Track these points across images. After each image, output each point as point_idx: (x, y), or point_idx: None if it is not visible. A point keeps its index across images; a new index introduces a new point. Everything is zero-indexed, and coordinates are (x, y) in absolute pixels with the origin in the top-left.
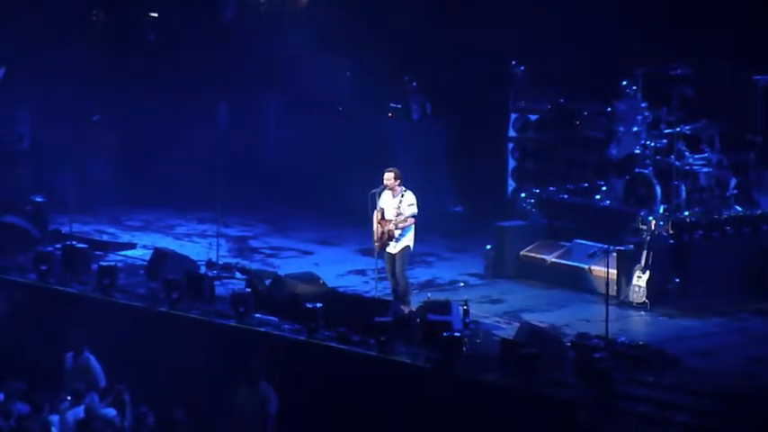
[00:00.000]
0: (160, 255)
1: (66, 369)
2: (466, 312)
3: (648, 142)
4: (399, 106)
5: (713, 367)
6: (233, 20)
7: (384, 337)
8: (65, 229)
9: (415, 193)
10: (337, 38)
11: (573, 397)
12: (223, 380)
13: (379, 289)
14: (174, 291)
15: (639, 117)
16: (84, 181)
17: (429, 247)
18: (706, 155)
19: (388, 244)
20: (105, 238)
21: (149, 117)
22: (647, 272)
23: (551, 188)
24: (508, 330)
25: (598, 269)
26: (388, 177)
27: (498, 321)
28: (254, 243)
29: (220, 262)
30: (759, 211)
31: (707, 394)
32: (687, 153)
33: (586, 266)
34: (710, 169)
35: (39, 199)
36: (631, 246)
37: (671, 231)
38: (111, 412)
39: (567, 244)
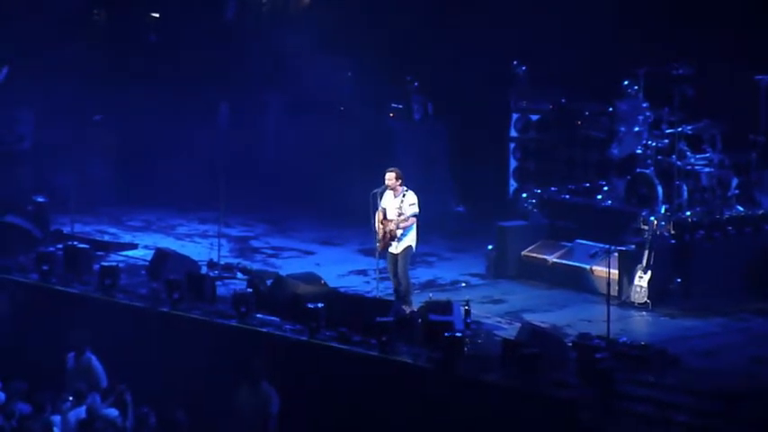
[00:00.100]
0: (161, 255)
1: (67, 369)
2: (467, 312)
3: (650, 142)
4: (401, 106)
5: (715, 367)
6: (234, 20)
7: (385, 337)
8: (66, 230)
9: (416, 193)
10: (338, 38)
11: (574, 397)
12: (224, 380)
13: (380, 289)
14: (176, 291)
15: (641, 117)
16: (85, 181)
17: (430, 247)
18: (708, 155)
19: (391, 244)
20: (107, 238)
21: (150, 117)
22: (649, 272)
23: (553, 188)
24: (509, 330)
25: (599, 269)
26: (390, 177)
27: (500, 321)
28: (255, 243)
29: (222, 262)
30: (761, 211)
31: (708, 394)
32: (689, 153)
33: (588, 266)
34: (712, 169)
35: (40, 199)
36: (633, 246)
37: (672, 231)
38: (113, 412)
39: (569, 244)
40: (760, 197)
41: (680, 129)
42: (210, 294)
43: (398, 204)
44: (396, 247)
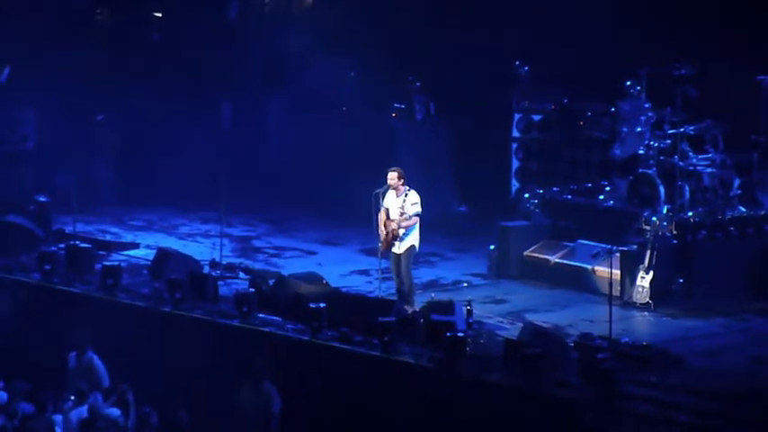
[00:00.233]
0: (164, 255)
1: (69, 369)
2: (469, 312)
3: (652, 142)
4: (403, 106)
5: (716, 367)
6: (236, 20)
7: (387, 337)
8: (68, 229)
9: (418, 193)
10: (341, 38)
11: (576, 397)
12: (226, 380)
13: (382, 289)
14: (178, 291)
15: (643, 117)
16: (87, 180)
17: (432, 247)
18: (710, 155)
19: (393, 244)
20: (108, 237)
21: (153, 117)
22: (651, 272)
23: (555, 188)
24: (511, 330)
25: (601, 269)
26: (392, 177)
27: (502, 321)
28: (257, 243)
29: (224, 262)
30: (763, 212)
31: (710, 395)
32: (691, 153)
33: (590, 267)
34: (714, 169)
35: (42, 199)
36: (635, 246)
37: (674, 232)
38: (115, 412)
39: (571, 244)
40: (762, 197)
41: (682, 129)
42: (213, 294)
43: (401, 204)
44: (398, 247)
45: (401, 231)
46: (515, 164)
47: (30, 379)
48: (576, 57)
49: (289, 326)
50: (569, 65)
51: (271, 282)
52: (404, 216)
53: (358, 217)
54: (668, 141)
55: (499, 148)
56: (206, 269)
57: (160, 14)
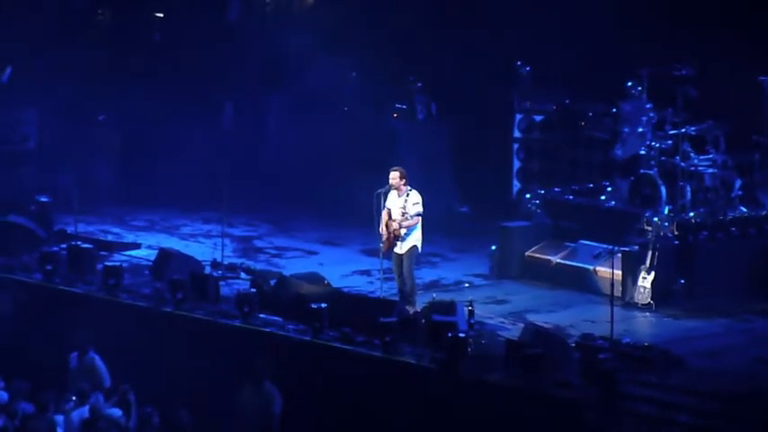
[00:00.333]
0: (165, 255)
1: (70, 369)
2: (471, 313)
3: (653, 143)
4: (404, 106)
5: (718, 368)
6: (237, 20)
7: (389, 337)
8: (70, 229)
9: (420, 193)
10: (342, 38)
11: (577, 398)
12: (227, 380)
13: (384, 289)
14: (179, 291)
15: (644, 118)
16: (88, 181)
17: (434, 247)
18: (711, 156)
19: (395, 244)
20: (110, 238)
21: (154, 117)
22: (652, 273)
23: (556, 189)
24: (513, 331)
25: (603, 270)
26: (394, 177)
27: (503, 322)
28: (258, 243)
29: (225, 262)
30: (764, 212)
31: (711, 395)
32: (692, 154)
33: (591, 267)
34: (715, 170)
35: (43, 199)
36: (636, 247)
37: (676, 232)
38: (116, 412)
39: (572, 245)
40: (763, 198)
41: (683, 130)
42: (214, 294)
43: (402, 204)
44: (400, 247)
45: (402, 231)
46: (516, 164)
47: (31, 379)
48: (577, 57)
49: (290, 326)
50: (570, 65)
51: (272, 282)
52: (405, 216)
53: (359, 217)
54: (669, 142)
55: (500, 148)
56: (207, 269)
57: (161, 15)
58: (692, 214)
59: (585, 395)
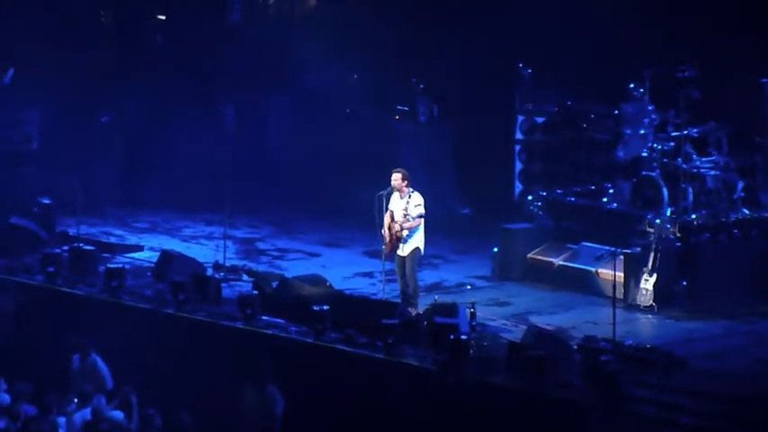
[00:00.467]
0: (167, 257)
1: (73, 371)
2: (473, 315)
3: (655, 145)
4: (406, 108)
5: (720, 370)
6: (239, 22)
7: (391, 339)
8: (72, 231)
9: (422, 195)
10: (344, 40)
11: (580, 399)
12: (230, 382)
13: (386, 291)
14: (181, 293)
15: (646, 120)
16: (90, 182)
17: (436, 249)
18: (713, 157)
19: (398, 246)
20: (112, 240)
21: (156, 118)
22: (654, 275)
23: (558, 190)
24: (515, 333)
25: (605, 272)
26: (396, 178)
27: (505, 324)
28: (260, 245)
29: (227, 264)
30: (766, 214)
31: (713, 397)
32: (694, 156)
33: (593, 269)
34: (718, 172)
35: (46, 201)
36: (638, 248)
37: (678, 234)
38: (119, 414)
39: (574, 246)
40: (765, 200)
41: (685, 131)
42: (216, 296)
43: (404, 206)
44: (403, 249)
45: (404, 233)
46: (518, 166)
47: (33, 381)
48: (579, 59)
49: (292, 328)
50: (572, 67)
51: (274, 284)
52: (407, 218)
53: (361, 219)
54: (672, 144)
55: (502, 150)
56: (209, 271)
57: (163, 17)
58: (694, 216)
59: (588, 397)
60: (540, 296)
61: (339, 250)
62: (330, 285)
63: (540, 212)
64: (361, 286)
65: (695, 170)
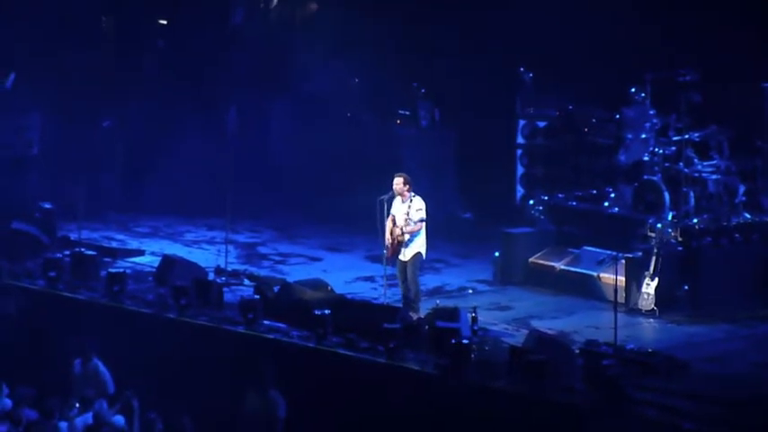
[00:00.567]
0: (169, 261)
1: (74, 375)
2: (474, 319)
3: (657, 149)
4: (407, 113)
5: (721, 373)
6: (241, 26)
7: (392, 343)
8: (73, 236)
9: (423, 199)
10: (345, 44)
11: (581, 404)
12: (231, 386)
13: (387, 296)
14: (183, 297)
15: (648, 124)
16: (92, 187)
17: (437, 253)
18: (715, 161)
19: (400, 251)
20: (114, 244)
21: (158, 123)
22: (656, 279)
23: (560, 195)
24: (517, 337)
25: (607, 276)
26: (398, 182)
27: (507, 328)
28: (262, 250)
29: (229, 268)
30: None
31: (715, 401)
32: (696, 160)
33: (595, 273)
34: (719, 176)
35: (47, 206)
36: (640, 253)
37: (680, 238)
38: (120, 419)
39: (576, 251)
40: (767, 204)
41: (687, 135)
42: (218, 301)
43: (406, 210)
44: (404, 254)
45: (406, 237)
46: (520, 170)
47: (35, 385)
48: (580, 63)
49: (294, 332)
50: (574, 71)
51: (276, 288)
52: (408, 222)
53: (363, 223)
54: (673, 148)
55: (504, 154)
56: (211, 276)
57: (165, 21)
58: (695, 220)
59: (589, 401)
60: (541, 300)
61: (341, 255)
62: (331, 290)
63: (542, 217)
64: (363, 291)
65: (697, 174)
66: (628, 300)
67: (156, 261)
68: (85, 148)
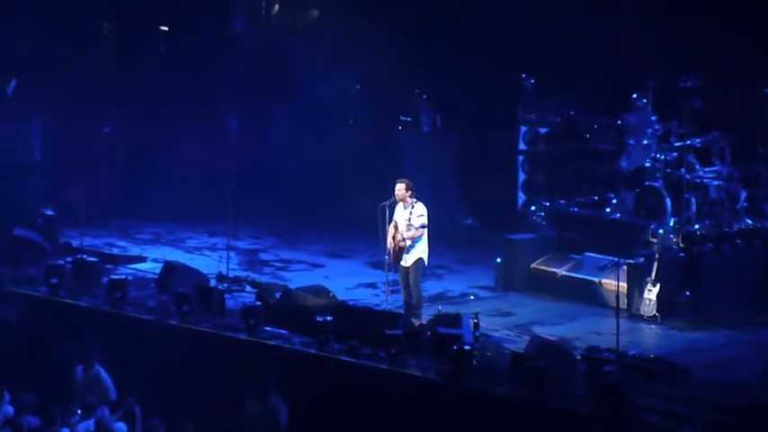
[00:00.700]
0: (171, 268)
1: (76, 382)
2: (476, 325)
3: (659, 155)
4: (409, 119)
5: (723, 379)
6: (242, 32)
7: (394, 350)
8: (75, 243)
9: (425, 205)
10: (347, 50)
11: (583, 410)
12: (233, 393)
13: (389, 302)
14: (185, 304)
15: (649, 130)
16: (94, 193)
17: (439, 259)
18: (716, 167)
19: (401, 256)
20: (116, 251)
21: (159, 129)
22: (658, 285)
23: (561, 201)
24: (518, 343)
25: (608, 282)
26: (400, 188)
27: (508, 334)
28: (264, 256)
29: (231, 275)
30: None
31: (717, 407)
32: (697, 166)
33: (597, 279)
34: (721, 182)
35: (49, 212)
36: (641, 259)
37: (681, 244)
38: (122, 426)
39: (578, 257)
40: None
41: (688, 141)
42: (219, 307)
43: (407, 216)
44: (406, 260)
45: (407, 243)
46: (522, 176)
47: (37, 392)
48: (581, 69)
49: (296, 339)
50: (575, 77)
51: (277, 295)
52: (409, 228)
53: (365, 230)
54: (675, 154)
55: (505, 160)
56: (213, 282)
57: (167, 27)
58: (697, 226)
59: (591, 407)
60: (543, 306)
61: (342, 261)
62: (333, 296)
63: (544, 223)
64: (365, 297)
65: (698, 180)
66: (629, 306)
67: (157, 268)
68: (87, 154)
